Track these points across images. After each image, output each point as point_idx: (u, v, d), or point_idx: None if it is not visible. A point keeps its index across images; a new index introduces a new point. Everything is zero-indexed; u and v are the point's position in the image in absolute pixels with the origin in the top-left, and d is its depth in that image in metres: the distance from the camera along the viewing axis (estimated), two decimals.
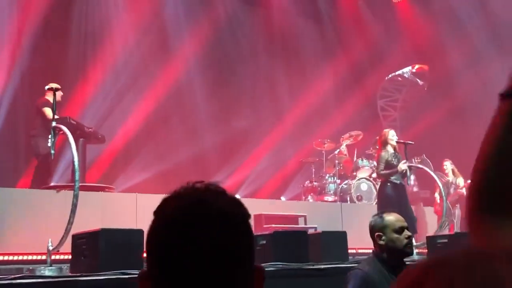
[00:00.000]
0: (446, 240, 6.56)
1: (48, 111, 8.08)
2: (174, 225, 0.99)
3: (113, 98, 10.70)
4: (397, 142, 8.35)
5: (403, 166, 7.95)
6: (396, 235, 3.29)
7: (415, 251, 7.36)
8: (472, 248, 0.73)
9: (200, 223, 0.98)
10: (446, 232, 9.26)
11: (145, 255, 1.03)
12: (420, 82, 14.30)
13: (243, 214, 1.06)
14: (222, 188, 1.06)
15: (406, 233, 3.31)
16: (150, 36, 11.53)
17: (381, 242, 3.32)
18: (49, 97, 8.23)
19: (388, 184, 8.10)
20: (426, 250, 7.13)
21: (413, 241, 6.81)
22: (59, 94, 8.14)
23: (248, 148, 12.54)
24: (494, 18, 12.44)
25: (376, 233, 3.35)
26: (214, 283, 0.96)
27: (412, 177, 10.44)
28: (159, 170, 9.12)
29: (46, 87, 7.18)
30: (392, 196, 7.98)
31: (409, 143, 8.43)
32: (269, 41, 13.26)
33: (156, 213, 1.04)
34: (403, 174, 8.14)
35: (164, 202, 1.04)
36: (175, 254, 0.97)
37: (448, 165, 10.72)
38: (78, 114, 9.64)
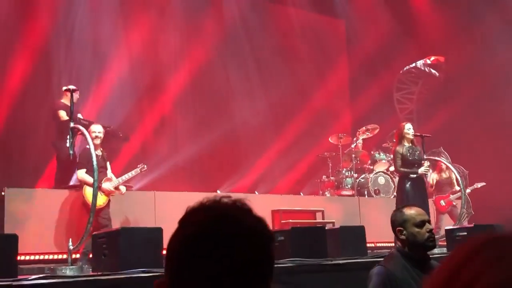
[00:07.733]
0: (465, 233, 6.49)
1: (62, 113, 8.00)
2: (204, 236, 0.99)
3: (129, 96, 10.74)
4: (414, 135, 8.29)
5: (421, 170, 7.91)
6: (417, 229, 3.24)
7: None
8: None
9: (230, 237, 0.99)
10: (465, 224, 9.20)
11: (164, 263, 1.02)
12: (437, 74, 14.19)
13: (269, 234, 1.07)
14: (248, 206, 1.07)
15: (428, 226, 3.26)
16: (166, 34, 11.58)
17: (402, 237, 3.27)
18: (65, 100, 8.10)
19: (406, 178, 8.04)
20: (445, 243, 7.09)
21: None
22: (76, 95, 8.17)
23: (264, 144, 12.53)
24: (509, 4, 12.29)
25: (397, 228, 3.30)
26: None
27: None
28: (176, 167, 9.11)
29: (64, 88, 7.20)
30: (410, 190, 7.92)
31: (426, 136, 8.38)
32: (281, 36, 13.23)
33: (182, 222, 1.04)
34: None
35: (192, 212, 1.04)
36: (204, 265, 0.97)
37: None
38: (94, 113, 9.69)
